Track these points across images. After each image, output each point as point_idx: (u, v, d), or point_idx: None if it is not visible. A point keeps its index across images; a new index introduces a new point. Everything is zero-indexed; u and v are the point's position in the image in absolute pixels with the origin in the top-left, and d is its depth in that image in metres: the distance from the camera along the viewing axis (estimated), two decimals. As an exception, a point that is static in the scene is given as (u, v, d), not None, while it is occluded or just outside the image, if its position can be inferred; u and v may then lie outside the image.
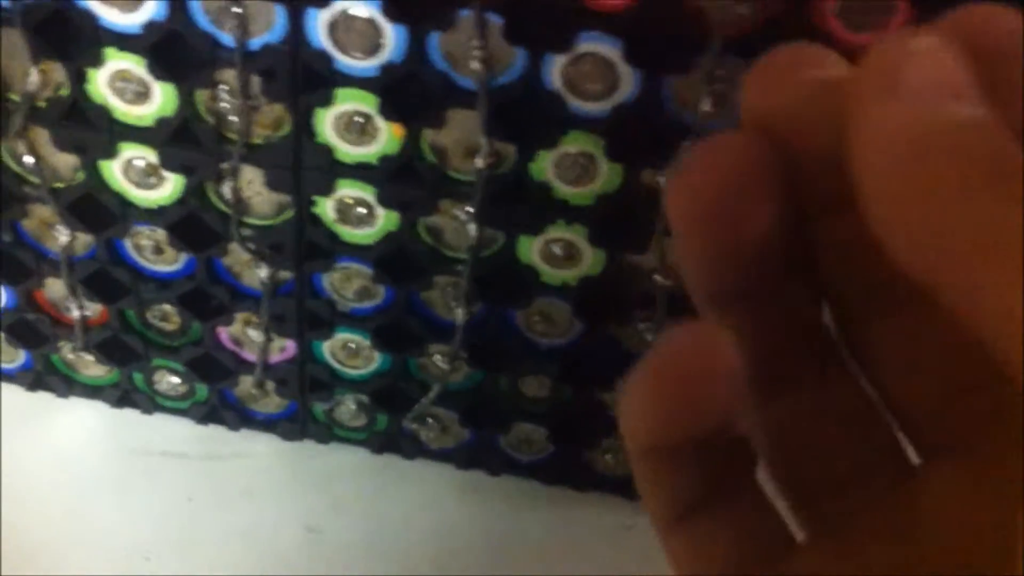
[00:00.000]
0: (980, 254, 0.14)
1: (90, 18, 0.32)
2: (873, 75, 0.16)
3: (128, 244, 0.38)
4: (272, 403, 0.43)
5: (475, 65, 0.31)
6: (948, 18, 0.16)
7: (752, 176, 0.17)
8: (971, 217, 0.14)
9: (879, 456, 0.19)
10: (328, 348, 0.40)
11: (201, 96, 0.33)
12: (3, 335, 0.41)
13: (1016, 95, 0.16)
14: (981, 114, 0.15)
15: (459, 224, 0.35)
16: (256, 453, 0.43)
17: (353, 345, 0.40)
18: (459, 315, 0.38)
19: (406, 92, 0.32)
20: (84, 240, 0.38)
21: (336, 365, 0.41)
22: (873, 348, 0.19)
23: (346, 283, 0.38)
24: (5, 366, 0.43)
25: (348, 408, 0.42)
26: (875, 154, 0.15)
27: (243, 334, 0.40)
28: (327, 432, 0.43)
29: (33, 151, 0.35)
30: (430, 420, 0.42)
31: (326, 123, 0.33)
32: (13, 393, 0.43)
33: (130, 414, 0.44)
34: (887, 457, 0.19)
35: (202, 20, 0.31)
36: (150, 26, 0.31)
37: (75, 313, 0.40)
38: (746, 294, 0.19)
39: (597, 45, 0.30)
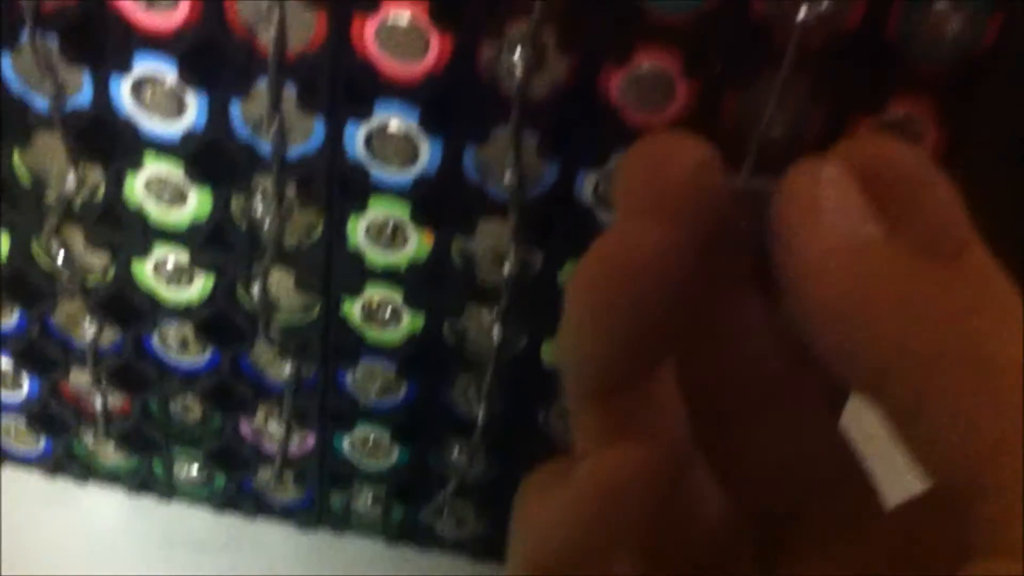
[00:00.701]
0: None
1: (131, 126, 0.32)
2: (796, 200, 0.18)
3: (155, 338, 0.38)
4: (289, 493, 0.43)
5: (508, 178, 0.31)
6: (843, 147, 0.19)
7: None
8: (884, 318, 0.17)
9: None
10: (348, 442, 0.41)
11: (237, 201, 0.34)
12: (25, 422, 0.42)
13: (908, 213, 0.18)
14: (878, 231, 0.17)
15: (484, 326, 0.36)
16: (271, 542, 0.43)
17: (373, 440, 0.40)
18: (480, 413, 0.38)
19: (439, 201, 0.32)
20: (111, 334, 0.38)
21: (355, 459, 0.41)
22: (730, 454, 0.21)
23: (369, 380, 0.39)
24: (25, 452, 0.43)
25: (365, 501, 0.42)
26: (806, 269, 0.18)
27: (264, 427, 0.40)
28: (343, 522, 0.43)
29: (66, 248, 0.35)
30: (446, 513, 0.42)
31: (358, 229, 0.34)
32: (32, 478, 0.44)
33: (147, 501, 0.44)
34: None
35: (241, 129, 0.32)
36: (190, 135, 0.32)
37: (98, 403, 0.40)
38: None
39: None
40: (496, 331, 0.36)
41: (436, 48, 0.29)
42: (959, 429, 0.16)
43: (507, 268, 0.34)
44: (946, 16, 0.27)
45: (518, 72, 0.29)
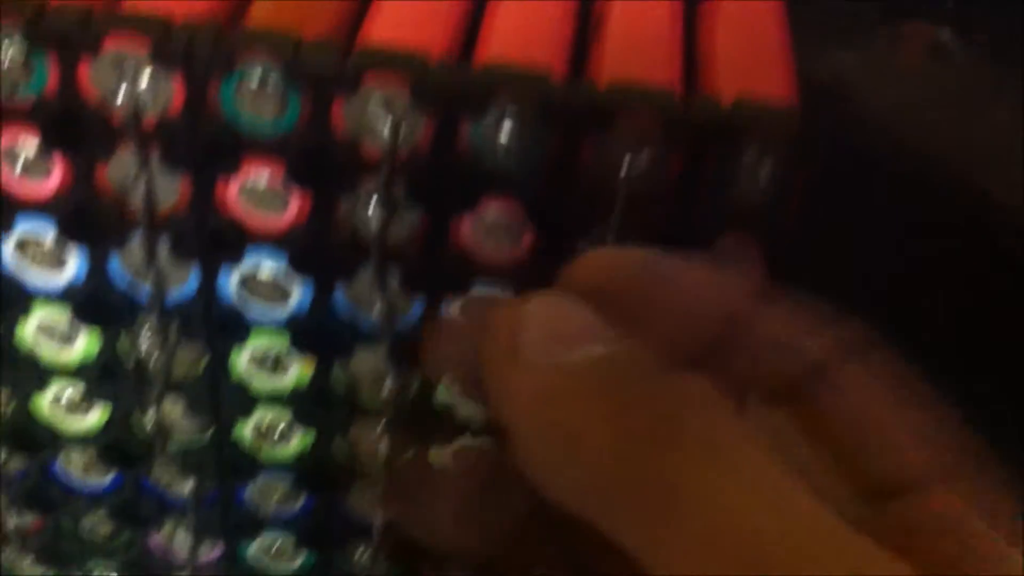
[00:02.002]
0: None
1: (15, 281, 0.34)
2: (496, 342, 0.18)
3: (59, 463, 0.40)
4: (203, 597, 0.45)
5: (376, 312, 0.33)
6: (566, 271, 0.19)
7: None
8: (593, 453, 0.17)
9: None
10: (255, 549, 0.42)
11: (123, 339, 0.36)
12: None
13: (653, 316, 0.19)
14: (600, 350, 0.18)
15: (373, 440, 0.38)
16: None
17: (279, 546, 0.42)
18: (378, 517, 0.40)
19: (315, 333, 0.34)
20: (17, 461, 0.40)
21: (263, 564, 0.43)
22: None
23: (267, 493, 0.40)
24: (-57, 570, 0.45)
25: (275, 601, 0.44)
26: (511, 413, 0.18)
27: (172, 538, 0.42)
28: (257, 624, 0.45)
29: (-35, 388, 0.37)
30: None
31: (240, 361, 0.36)
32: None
33: (67, 610, 0.45)
34: None
35: (120, 279, 0.34)
36: (72, 286, 0.34)
37: (11, 524, 0.42)
38: None
39: (491, 292, 0.33)
40: (383, 444, 0.37)
41: (296, 203, 0.31)
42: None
43: (386, 388, 0.36)
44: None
45: (373, 224, 0.31)
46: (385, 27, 0.31)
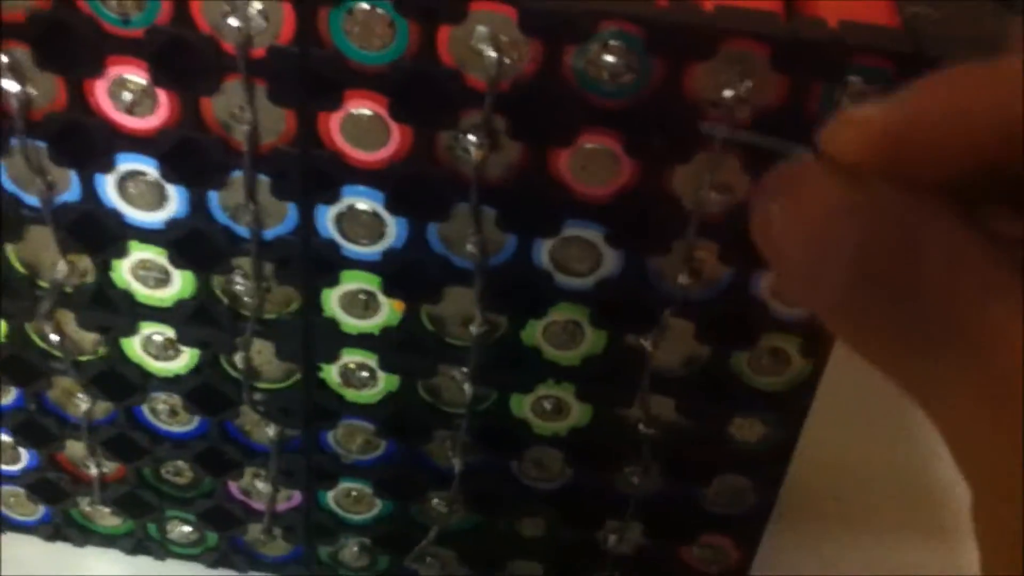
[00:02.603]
0: None
1: (117, 217, 0.34)
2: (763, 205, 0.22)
3: (145, 409, 0.40)
4: (279, 547, 0.45)
5: (471, 248, 0.34)
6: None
7: None
8: None
9: None
10: (332, 497, 0.43)
11: (218, 280, 0.36)
12: (24, 492, 0.44)
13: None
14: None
15: (456, 384, 0.38)
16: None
17: (356, 493, 0.43)
18: (457, 464, 0.40)
19: (407, 273, 0.35)
20: (104, 406, 0.40)
21: (340, 512, 0.43)
22: None
23: (350, 438, 0.41)
24: (25, 519, 0.45)
25: (352, 551, 0.45)
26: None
27: (252, 486, 0.43)
28: (332, 573, 0.45)
29: (58, 330, 0.38)
30: (429, 559, 0.44)
31: (332, 301, 0.36)
32: (32, 543, 0.46)
33: (144, 561, 0.46)
34: None
35: (220, 215, 0.34)
36: (172, 223, 0.34)
37: (94, 471, 0.42)
38: None
39: (582, 230, 0.33)
40: (467, 388, 0.38)
41: (397, 137, 0.32)
42: None
43: (474, 330, 0.36)
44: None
45: (474, 156, 0.31)
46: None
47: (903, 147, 0.21)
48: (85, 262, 0.36)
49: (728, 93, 0.30)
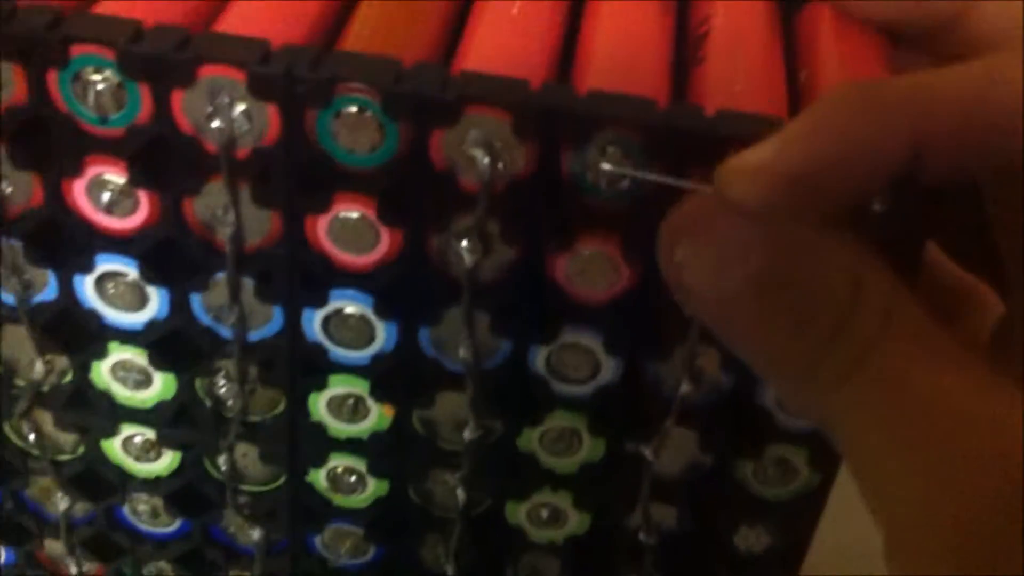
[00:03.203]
0: None
1: (96, 317, 0.33)
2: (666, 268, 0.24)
3: (126, 509, 0.39)
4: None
5: (463, 354, 0.32)
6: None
7: None
8: None
9: None
10: (321, 601, 0.41)
11: (201, 382, 0.35)
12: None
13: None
14: (754, 262, 0.22)
15: (449, 488, 0.37)
16: None
17: (346, 597, 0.41)
18: (449, 570, 0.39)
19: (396, 378, 0.33)
20: (84, 505, 0.39)
21: (329, 616, 0.41)
22: None
23: (338, 542, 0.39)
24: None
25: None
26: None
27: (237, 589, 0.41)
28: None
29: (36, 429, 0.36)
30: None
31: (319, 404, 0.35)
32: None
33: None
34: None
35: (203, 316, 0.33)
36: (152, 324, 0.33)
37: (73, 570, 0.41)
38: None
39: (579, 336, 0.32)
40: (460, 494, 0.36)
41: (386, 240, 0.30)
42: None
43: (467, 435, 0.35)
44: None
45: (466, 261, 0.30)
46: (481, 52, 0.30)
47: (798, 188, 0.22)
48: (63, 362, 0.35)
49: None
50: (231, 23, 0.30)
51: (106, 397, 0.35)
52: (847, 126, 0.21)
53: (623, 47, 0.32)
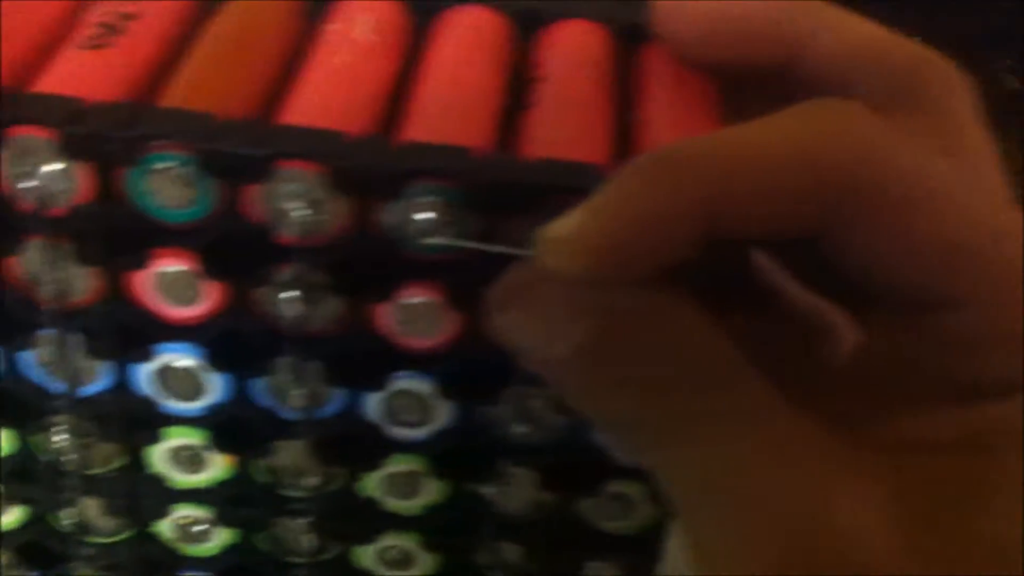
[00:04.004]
0: None
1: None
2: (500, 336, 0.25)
3: (-28, 566, 0.38)
4: None
5: (297, 402, 0.32)
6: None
7: None
8: None
9: None
10: (176, 650, 0.41)
11: (37, 437, 0.34)
12: None
13: None
14: (579, 332, 0.23)
15: (297, 535, 0.37)
16: None
17: (200, 646, 0.41)
18: (304, 614, 0.39)
19: (234, 428, 0.33)
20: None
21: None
22: None
23: (190, 591, 0.39)
24: None
25: None
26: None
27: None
28: None
29: None
30: None
31: (157, 457, 0.34)
32: None
33: None
34: None
35: (32, 373, 0.32)
36: (-18, 386, 0.33)
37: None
38: None
39: (411, 383, 0.32)
40: (307, 539, 0.36)
41: (211, 294, 0.31)
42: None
43: (309, 482, 0.35)
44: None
45: (291, 312, 0.30)
46: (303, 104, 0.30)
47: (606, 256, 0.22)
48: None
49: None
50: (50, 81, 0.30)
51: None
52: (644, 195, 0.22)
53: (450, 96, 0.32)
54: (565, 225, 0.23)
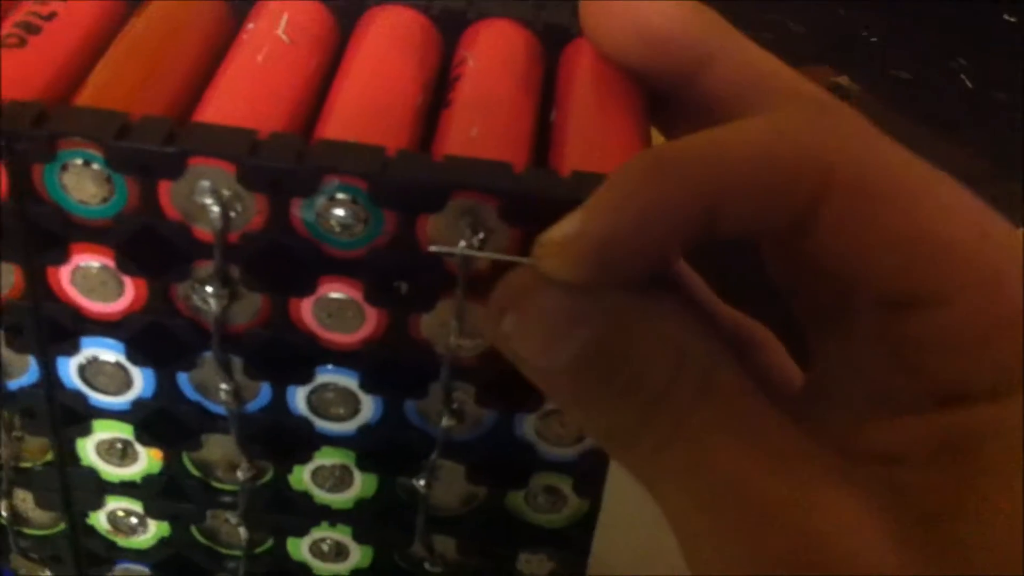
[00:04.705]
0: None
1: None
2: (497, 342, 0.25)
3: (-90, 558, 0.39)
4: None
5: (224, 396, 0.33)
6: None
7: None
8: None
9: None
10: (117, 641, 0.41)
11: (-33, 431, 0.35)
12: None
13: None
14: (582, 335, 0.23)
15: (232, 527, 0.37)
16: None
17: (142, 637, 0.41)
18: (243, 605, 0.39)
19: (159, 422, 0.34)
20: None
21: (127, 657, 0.41)
22: None
23: (128, 582, 0.39)
24: None
25: None
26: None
27: (33, 632, 0.41)
28: None
29: None
30: None
31: (88, 450, 0.35)
32: None
33: None
34: None
35: (-41, 368, 0.33)
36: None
37: None
38: None
39: (336, 377, 0.32)
40: (242, 532, 0.37)
41: (131, 289, 0.31)
42: None
43: (240, 475, 0.35)
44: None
45: (212, 307, 0.30)
46: (221, 106, 0.31)
47: (604, 258, 0.22)
48: None
49: (462, 244, 0.29)
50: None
51: None
52: (640, 196, 0.22)
53: (369, 94, 0.32)
54: (563, 228, 0.23)
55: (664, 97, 0.31)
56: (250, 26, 0.34)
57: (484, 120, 0.31)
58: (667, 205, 0.22)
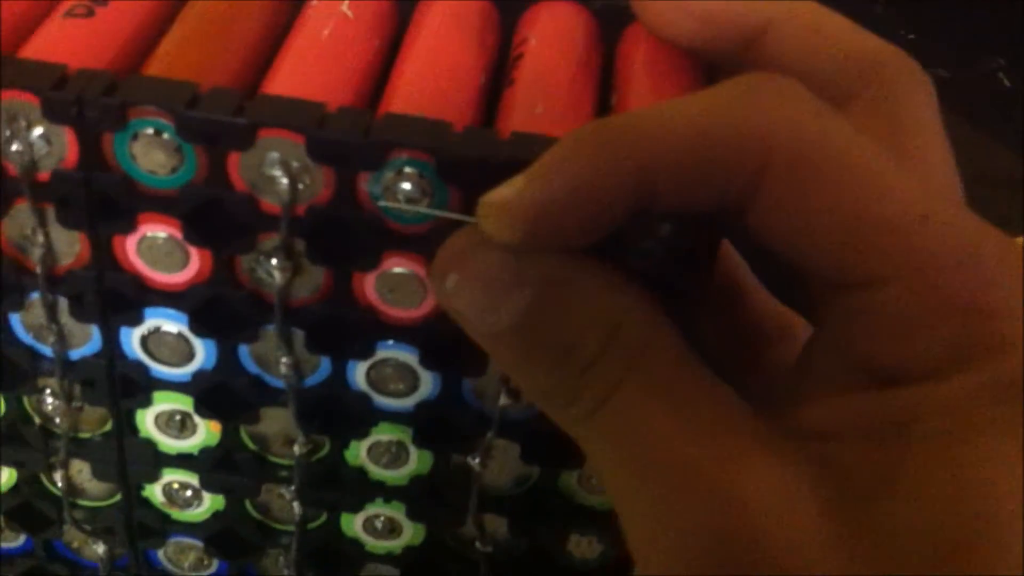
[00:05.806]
0: None
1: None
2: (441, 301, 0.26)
3: (-34, 527, 0.39)
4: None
5: (283, 370, 0.33)
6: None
7: None
8: None
9: None
10: (168, 614, 0.41)
11: (28, 400, 0.35)
12: None
13: None
14: (523, 297, 0.24)
15: (285, 502, 0.37)
16: None
17: (192, 611, 0.41)
18: (292, 581, 0.39)
19: (218, 394, 0.34)
20: (-77, 525, 0.39)
21: (176, 630, 0.42)
22: None
23: (181, 555, 0.40)
24: None
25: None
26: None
27: (84, 604, 0.41)
28: None
29: None
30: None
31: (147, 421, 0.35)
32: None
33: None
34: None
35: (23, 336, 0.33)
36: (-30, 347, 0.33)
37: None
38: None
39: (396, 352, 0.32)
40: (295, 507, 0.37)
41: (196, 260, 0.31)
42: None
43: (296, 450, 0.35)
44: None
45: (276, 280, 0.30)
46: (288, 80, 0.31)
47: (540, 224, 0.23)
48: None
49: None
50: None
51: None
52: (578, 164, 0.22)
53: (433, 72, 0.32)
54: (503, 191, 0.23)
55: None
56: (314, 1, 0.34)
57: (547, 98, 0.32)
58: (599, 175, 0.23)
